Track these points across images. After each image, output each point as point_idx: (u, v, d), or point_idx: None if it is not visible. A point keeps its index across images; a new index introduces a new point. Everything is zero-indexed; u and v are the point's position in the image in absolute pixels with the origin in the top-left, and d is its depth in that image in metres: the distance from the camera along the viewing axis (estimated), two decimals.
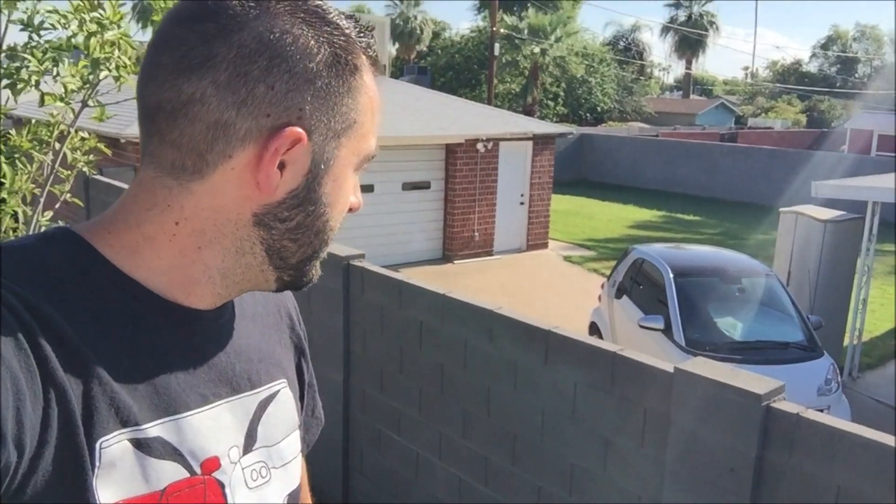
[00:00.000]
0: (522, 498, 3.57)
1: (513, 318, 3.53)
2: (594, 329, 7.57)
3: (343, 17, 0.79)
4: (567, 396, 3.29)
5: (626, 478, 3.12)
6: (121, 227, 0.77)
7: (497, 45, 29.92)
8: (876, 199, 7.19)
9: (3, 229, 2.43)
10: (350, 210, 0.85)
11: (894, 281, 12.30)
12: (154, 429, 0.73)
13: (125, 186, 7.00)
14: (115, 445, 0.70)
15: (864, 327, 8.01)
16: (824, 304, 7.49)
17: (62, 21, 1.87)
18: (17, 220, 2.46)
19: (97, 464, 0.68)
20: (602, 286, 7.79)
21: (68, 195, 2.64)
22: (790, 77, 52.72)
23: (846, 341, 7.97)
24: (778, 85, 50.93)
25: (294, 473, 0.92)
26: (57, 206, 2.60)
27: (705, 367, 2.84)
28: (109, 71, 1.93)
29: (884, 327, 9.86)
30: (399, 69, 39.92)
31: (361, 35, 0.79)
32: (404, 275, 4.15)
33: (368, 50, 0.80)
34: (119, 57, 1.84)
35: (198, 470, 0.77)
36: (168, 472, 0.74)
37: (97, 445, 0.68)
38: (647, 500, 3.03)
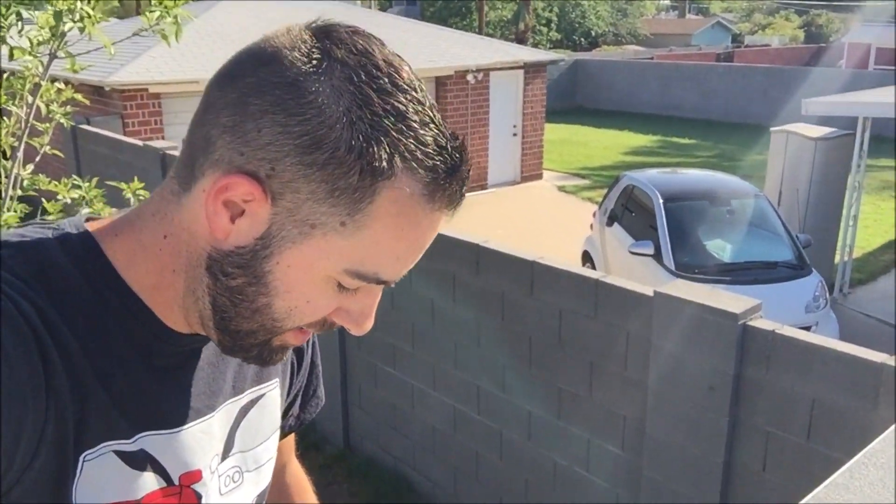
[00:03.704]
0: (513, 422, 3.68)
1: (498, 250, 3.58)
2: (587, 257, 7.63)
3: (432, 125, 0.67)
4: (553, 324, 3.37)
5: (612, 399, 3.22)
6: (127, 230, 0.75)
7: None
8: (866, 115, 7.16)
9: None
10: (329, 327, 0.76)
11: (893, 196, 12.30)
12: (138, 442, 0.74)
13: (112, 135, 6.89)
14: (98, 458, 0.70)
15: (854, 243, 8.06)
16: (815, 222, 7.53)
17: None
18: (1, 177, 2.48)
19: (77, 475, 0.69)
20: (594, 214, 7.82)
21: (48, 147, 2.65)
22: None
23: (837, 258, 8.03)
24: (775, 1, 49.85)
25: (266, 473, 0.92)
26: (37, 159, 2.61)
27: (684, 289, 2.91)
28: (74, 22, 1.93)
29: (877, 242, 9.92)
30: (388, 0, 39.06)
31: (438, 156, 0.67)
32: None
33: (440, 178, 0.67)
34: (82, 8, 1.84)
35: (176, 481, 0.77)
36: (146, 483, 0.74)
37: (80, 459, 0.69)
38: (632, 419, 3.14)
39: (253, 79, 0.66)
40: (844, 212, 7.90)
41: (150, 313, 0.75)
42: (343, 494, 4.46)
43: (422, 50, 12.48)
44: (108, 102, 9.53)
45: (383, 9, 35.26)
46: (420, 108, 0.67)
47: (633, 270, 6.35)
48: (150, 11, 2.04)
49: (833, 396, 2.50)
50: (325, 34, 0.67)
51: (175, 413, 0.78)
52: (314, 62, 0.65)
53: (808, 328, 5.60)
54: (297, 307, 0.71)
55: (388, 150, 0.65)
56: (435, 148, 0.67)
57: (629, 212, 7.00)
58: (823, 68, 22.62)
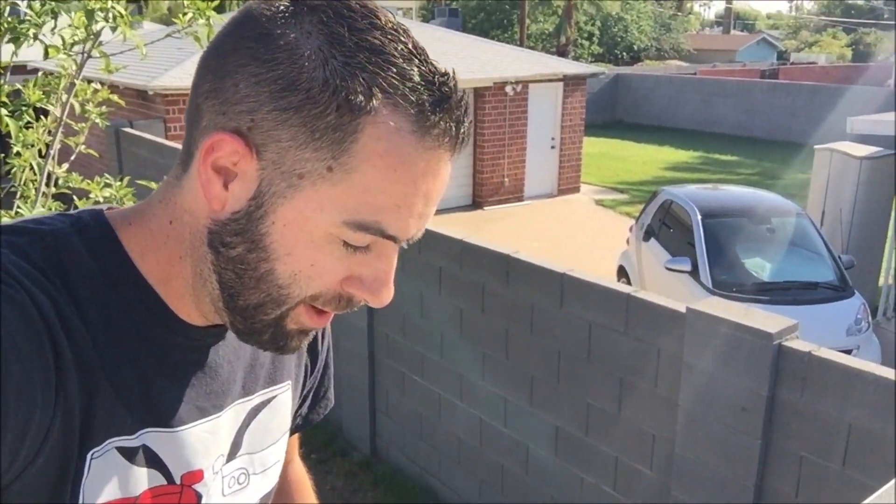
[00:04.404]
0: (540, 438, 3.62)
1: (528, 261, 3.53)
2: (622, 272, 7.53)
3: (415, 59, 0.65)
4: (582, 338, 3.31)
5: (641, 417, 3.15)
6: (138, 219, 0.74)
7: None
8: None
9: (23, 181, 2.49)
10: (346, 303, 0.71)
11: None
12: (140, 437, 0.72)
13: (154, 138, 7.03)
14: (103, 455, 0.69)
15: None
16: (859, 242, 7.34)
17: None
18: (35, 173, 2.51)
19: (85, 473, 0.68)
20: (630, 229, 7.72)
21: (83, 147, 2.68)
22: (836, 10, 50.74)
23: (882, 281, 7.82)
24: (822, 18, 49.08)
25: (273, 476, 0.91)
26: (73, 157, 2.65)
27: (717, 306, 2.83)
28: (106, 21, 1.95)
29: None
30: (430, 12, 39.29)
31: (424, 89, 0.64)
32: (432, 222, 4.18)
33: (427, 111, 0.64)
34: (113, 6, 1.85)
35: (177, 480, 0.76)
36: (146, 480, 0.73)
37: (88, 456, 0.68)
38: (662, 439, 3.06)
39: (228, 40, 0.66)
40: (890, 233, 7.69)
41: (163, 305, 0.73)
42: None
43: (460, 61, 12.50)
44: (152, 107, 9.70)
45: (425, 20, 35.50)
46: (401, 45, 0.64)
47: (669, 287, 6.25)
48: (184, 13, 2.05)
49: (871, 422, 2.40)
50: None
51: (181, 411, 0.76)
52: (282, 10, 0.64)
53: (848, 351, 5.45)
54: (300, 271, 0.67)
55: (364, 83, 0.62)
56: (420, 81, 0.64)
57: (666, 227, 6.90)
58: (870, 87, 22.16)
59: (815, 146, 7.95)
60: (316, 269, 0.67)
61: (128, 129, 8.20)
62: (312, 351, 0.98)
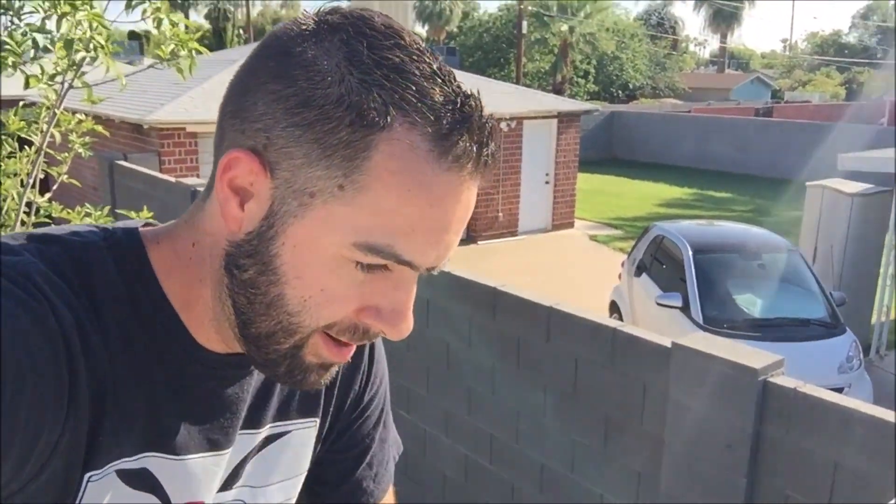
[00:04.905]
0: (526, 475, 3.57)
1: (515, 294, 3.52)
2: (614, 307, 7.52)
3: (438, 79, 0.62)
4: (568, 373, 3.28)
5: (627, 454, 3.11)
6: (165, 238, 0.72)
7: (525, 23, 29.65)
8: None
9: (5, 210, 2.49)
10: (363, 333, 0.67)
11: None
12: (142, 460, 0.70)
13: (147, 171, 7.04)
14: (102, 479, 0.67)
15: (893, 303, 7.83)
16: (851, 280, 7.34)
17: (40, 4, 1.90)
18: (16, 202, 2.51)
19: (80, 496, 0.66)
20: (622, 264, 7.72)
21: (65, 177, 2.68)
22: (829, 49, 51.50)
23: (874, 318, 7.80)
24: (816, 57, 49.77)
25: None
26: (54, 187, 2.65)
27: (703, 342, 2.81)
28: (87, 52, 1.95)
29: None
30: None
31: (443, 107, 0.61)
32: None
33: (445, 130, 0.61)
34: (92, 37, 1.86)
35: None
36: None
37: (85, 478, 0.66)
38: (647, 476, 3.02)
39: (252, 60, 0.65)
40: (882, 270, 7.70)
41: (182, 329, 0.71)
42: None
43: None
44: (147, 140, 9.76)
45: None
46: (423, 65, 0.62)
47: (660, 322, 6.23)
48: (165, 45, 2.06)
49: (856, 460, 2.37)
50: (327, 11, 0.65)
51: (188, 439, 0.73)
52: (305, 30, 0.63)
53: (840, 389, 5.41)
54: (311, 297, 0.64)
55: (379, 99, 0.59)
56: (440, 100, 0.61)
57: (658, 262, 6.90)
58: (862, 125, 22.39)
59: (807, 183, 7.99)
60: (326, 294, 0.64)
61: (121, 162, 8.22)
62: (345, 387, 0.91)
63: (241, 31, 31.92)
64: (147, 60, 12.95)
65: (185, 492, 0.74)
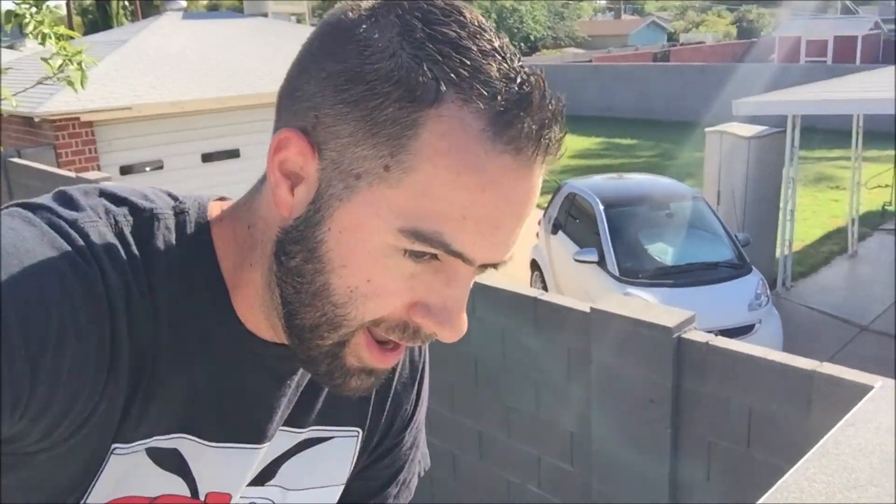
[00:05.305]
0: (466, 444, 3.67)
1: None
2: (535, 265, 7.68)
3: (497, 56, 0.58)
4: (496, 343, 3.37)
5: (558, 416, 3.23)
6: (228, 217, 0.70)
7: None
8: (794, 113, 7.35)
9: None
10: (413, 333, 0.63)
11: (829, 187, 12.64)
12: (174, 441, 0.68)
13: (44, 167, 6.72)
14: (129, 455, 0.66)
15: (793, 237, 8.25)
16: (754, 219, 7.70)
17: None
18: None
19: (103, 467, 0.64)
20: (539, 222, 7.88)
21: None
22: None
23: (778, 253, 8.21)
24: None
25: None
26: None
27: (619, 304, 2.93)
28: None
29: (816, 234, 10.17)
30: (327, 9, 38.89)
31: (501, 84, 0.57)
32: None
33: (501, 108, 0.56)
34: None
35: (202, 496, 0.71)
36: (167, 485, 0.69)
37: (111, 449, 0.64)
38: (579, 435, 3.15)
39: (308, 41, 0.63)
40: (781, 205, 8.09)
41: (233, 314, 0.68)
42: None
43: None
44: (40, 133, 9.29)
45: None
46: (483, 42, 0.58)
47: (579, 278, 6.41)
48: (53, 59, 1.98)
49: (768, 404, 2.53)
50: None
51: (226, 427, 0.71)
52: (364, 10, 0.61)
53: (752, 326, 5.72)
54: (357, 287, 0.60)
55: (430, 74, 0.56)
56: (497, 76, 0.57)
57: (573, 219, 7.07)
58: (756, 64, 23.22)
59: (706, 129, 8.28)
60: (373, 286, 0.60)
61: (15, 160, 7.83)
62: (396, 405, 0.88)
63: (127, 3, 30.43)
64: (30, 43, 12.28)
65: (213, 481, 0.71)
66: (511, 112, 0.56)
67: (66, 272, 0.58)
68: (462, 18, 0.59)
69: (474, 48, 0.57)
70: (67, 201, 0.64)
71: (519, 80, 0.57)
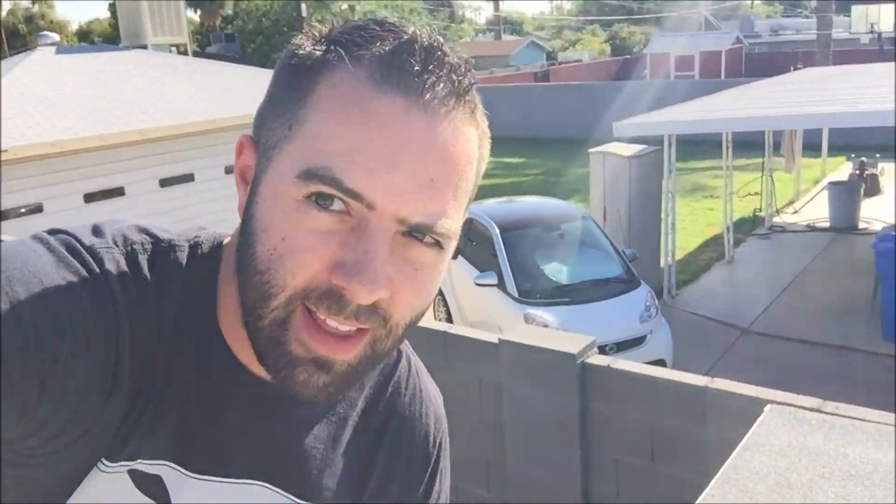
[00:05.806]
0: None
1: None
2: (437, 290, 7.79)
3: (400, 39, 0.62)
4: None
5: (474, 445, 3.32)
6: (228, 248, 0.73)
7: (304, 5, 29.20)
8: (671, 133, 7.82)
9: None
10: (338, 298, 0.61)
11: (704, 196, 13.39)
12: (158, 467, 0.69)
13: None
14: (111, 474, 0.67)
15: (675, 247, 8.73)
16: (639, 233, 8.10)
17: None
18: None
19: (86, 478, 0.67)
20: None
21: None
22: (592, 7, 55.07)
23: (662, 263, 8.66)
24: (581, 18, 53.16)
25: None
26: None
27: (525, 333, 3.07)
28: None
29: (696, 242, 10.76)
30: (206, 37, 38.08)
31: (389, 43, 0.61)
32: None
33: (386, 55, 0.60)
34: None
35: None
36: None
37: (97, 466, 0.67)
38: (494, 462, 3.26)
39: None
40: (663, 217, 8.54)
41: (223, 348, 0.71)
42: None
43: (245, 94, 12.27)
44: None
45: (202, 48, 34.37)
46: (392, 34, 0.62)
47: (481, 300, 6.57)
48: None
49: (668, 420, 2.72)
50: None
51: (210, 460, 0.72)
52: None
53: (644, 337, 6.03)
54: (275, 248, 0.61)
55: (327, 44, 0.63)
56: (392, 47, 0.61)
57: (471, 243, 7.24)
58: (631, 81, 24.36)
59: (590, 150, 8.67)
60: (288, 243, 0.60)
61: None
62: (370, 460, 0.86)
63: None
64: None
65: None
66: (397, 55, 0.60)
67: (80, 293, 0.63)
68: (387, 23, 0.63)
69: (380, 30, 0.62)
70: (94, 230, 0.69)
71: (406, 37, 0.62)
